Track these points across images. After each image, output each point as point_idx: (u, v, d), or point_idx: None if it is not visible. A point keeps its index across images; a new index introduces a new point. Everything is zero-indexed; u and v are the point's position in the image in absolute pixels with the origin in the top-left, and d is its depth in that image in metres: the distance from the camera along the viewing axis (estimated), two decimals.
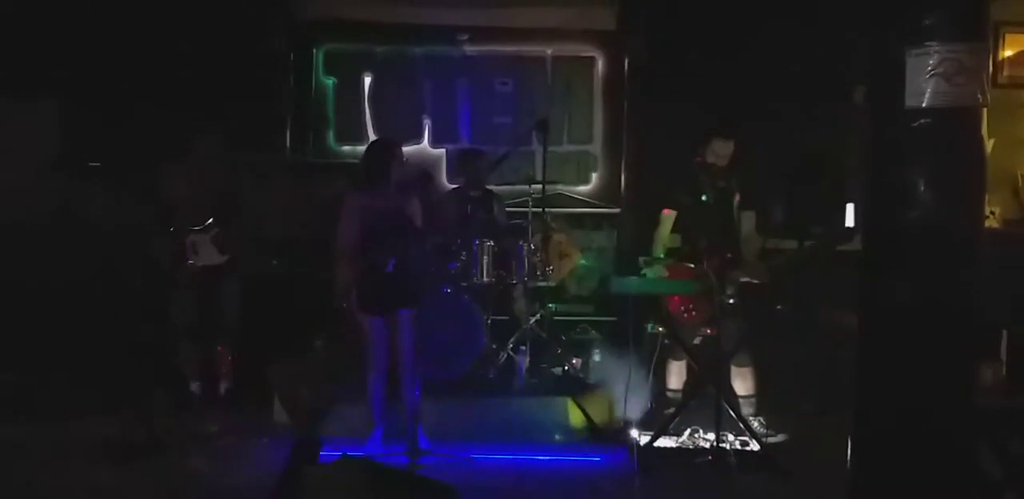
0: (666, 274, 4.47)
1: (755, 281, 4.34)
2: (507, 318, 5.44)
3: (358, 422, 4.35)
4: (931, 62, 2.70)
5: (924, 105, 2.71)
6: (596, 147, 6.82)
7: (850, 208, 5.27)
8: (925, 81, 2.70)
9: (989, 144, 2.82)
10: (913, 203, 2.73)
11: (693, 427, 4.38)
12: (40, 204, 5.95)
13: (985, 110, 2.76)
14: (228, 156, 5.08)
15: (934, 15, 2.71)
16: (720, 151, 4.57)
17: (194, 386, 5.00)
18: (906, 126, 2.74)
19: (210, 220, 4.86)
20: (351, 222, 4.21)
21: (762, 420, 4.51)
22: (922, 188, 2.72)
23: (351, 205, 4.24)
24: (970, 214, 2.78)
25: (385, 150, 4.35)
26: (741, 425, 4.25)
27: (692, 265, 4.46)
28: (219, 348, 5.01)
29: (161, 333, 5.12)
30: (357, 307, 4.23)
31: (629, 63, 6.63)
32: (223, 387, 5.04)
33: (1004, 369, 5.02)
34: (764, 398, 4.62)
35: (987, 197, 2.89)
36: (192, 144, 4.96)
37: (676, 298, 4.48)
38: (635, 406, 4.45)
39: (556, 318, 5.60)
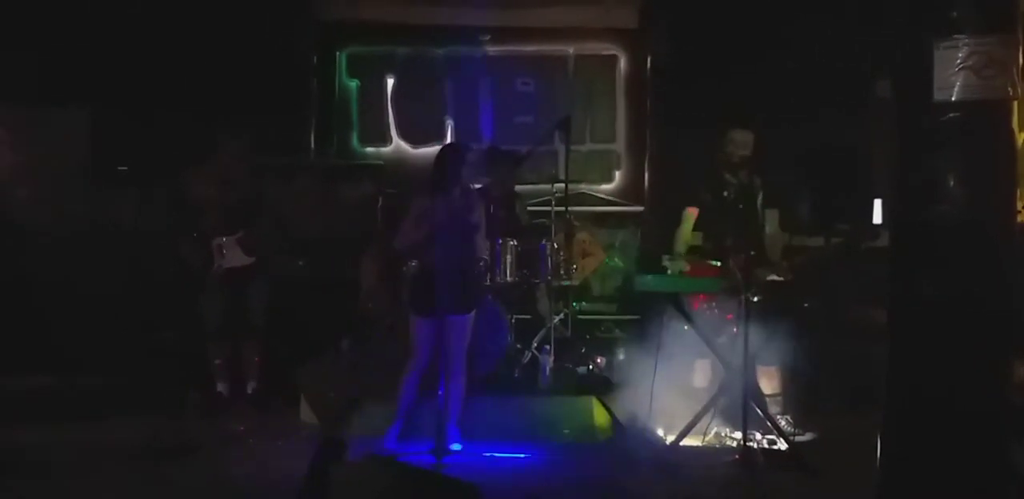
0: (687, 269, 4.44)
1: (779, 279, 4.31)
2: (531, 317, 5.43)
3: (385, 422, 4.37)
4: (960, 55, 2.66)
5: (953, 98, 2.67)
6: (619, 145, 6.81)
7: (878, 204, 5.21)
8: (954, 74, 2.67)
9: (1020, 137, 2.78)
10: (943, 198, 2.69)
11: (720, 426, 4.34)
12: (69, 208, 6.04)
13: (1016, 103, 2.72)
14: (253, 159, 5.12)
15: (962, 7, 2.68)
16: (740, 141, 4.54)
17: (222, 387, 5.05)
18: (935, 120, 2.70)
19: (236, 222, 4.91)
20: (416, 224, 4.21)
21: (789, 419, 4.48)
22: (952, 183, 2.69)
23: (419, 207, 4.24)
24: (1001, 209, 2.74)
25: (456, 154, 4.34)
26: (768, 424, 4.22)
27: (717, 263, 4.43)
28: (246, 349, 5.05)
29: (189, 335, 5.18)
30: (409, 307, 4.25)
31: (651, 61, 6.61)
32: (251, 387, 5.08)
33: None
34: (791, 397, 4.58)
35: (1018, 191, 2.84)
36: (218, 147, 5.01)
37: (700, 296, 4.45)
38: (661, 405, 4.43)
39: (580, 317, 5.59)
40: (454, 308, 4.13)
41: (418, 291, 4.23)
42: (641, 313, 6.04)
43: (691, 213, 4.70)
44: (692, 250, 4.72)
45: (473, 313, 4.29)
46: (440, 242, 4.12)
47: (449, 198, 4.21)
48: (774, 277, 4.27)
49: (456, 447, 4.17)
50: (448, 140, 6.70)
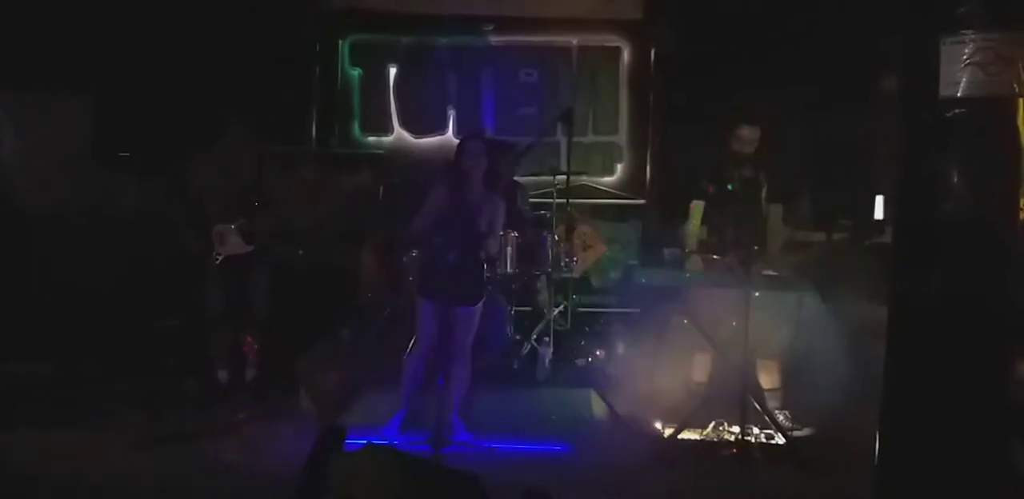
0: (701, 267, 4.44)
1: (780, 273, 4.30)
2: (530, 309, 5.43)
3: (384, 410, 4.38)
4: (967, 51, 2.64)
5: (959, 95, 2.66)
6: (621, 138, 6.79)
7: (879, 200, 5.20)
8: (960, 70, 2.65)
9: None
10: (947, 195, 2.68)
11: (718, 420, 4.35)
12: (70, 195, 6.03)
13: (1021, 100, 2.70)
14: (255, 147, 5.11)
15: (970, 2, 2.66)
16: (746, 137, 4.52)
17: (221, 374, 5.05)
18: (940, 116, 2.69)
19: (236, 210, 4.90)
20: (431, 213, 4.22)
21: (787, 413, 4.48)
22: (956, 179, 2.68)
23: (436, 196, 4.25)
24: (1005, 206, 2.73)
25: (474, 147, 4.33)
26: (766, 418, 4.23)
27: (718, 257, 4.43)
28: (246, 337, 5.05)
29: (189, 322, 5.18)
30: (416, 291, 4.26)
31: (655, 53, 6.59)
32: (250, 375, 5.09)
33: None
34: (790, 391, 4.58)
35: (1023, 189, 2.83)
36: (219, 135, 4.99)
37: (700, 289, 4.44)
38: (659, 398, 4.43)
39: (580, 310, 5.59)
40: (463, 299, 4.13)
41: (428, 276, 4.23)
42: (641, 306, 6.04)
43: (698, 207, 4.69)
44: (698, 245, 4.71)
45: (480, 305, 4.29)
46: (455, 233, 4.11)
47: (465, 190, 4.20)
48: (771, 272, 4.27)
49: (463, 438, 4.18)
50: (450, 130, 6.68)
